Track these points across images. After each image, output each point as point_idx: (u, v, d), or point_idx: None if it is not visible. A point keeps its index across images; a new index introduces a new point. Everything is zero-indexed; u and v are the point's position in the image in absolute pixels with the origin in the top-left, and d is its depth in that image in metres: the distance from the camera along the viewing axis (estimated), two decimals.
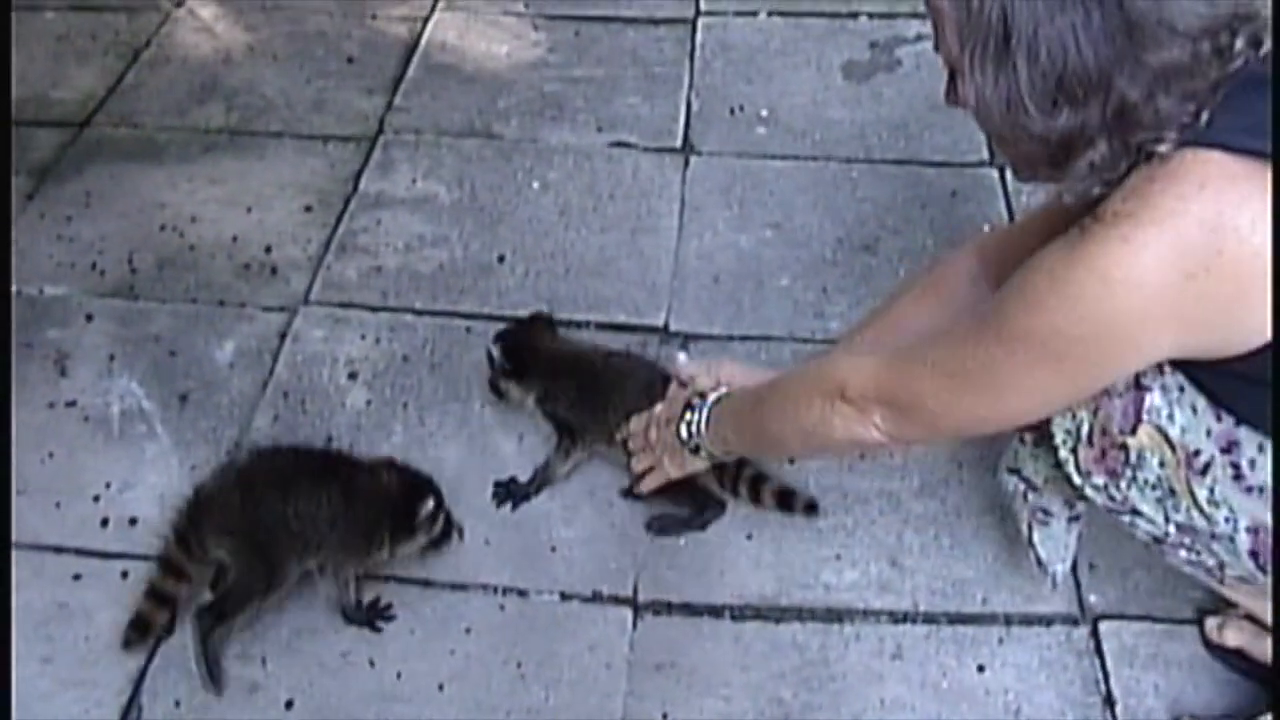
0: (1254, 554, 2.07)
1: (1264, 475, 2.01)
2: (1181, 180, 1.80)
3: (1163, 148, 1.85)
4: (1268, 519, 2.03)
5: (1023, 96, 1.86)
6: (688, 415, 2.69)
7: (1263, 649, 2.59)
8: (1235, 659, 2.64)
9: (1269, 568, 2.08)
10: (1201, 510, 2.08)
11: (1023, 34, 1.82)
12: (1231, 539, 2.08)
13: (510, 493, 3.05)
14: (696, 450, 2.70)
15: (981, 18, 1.85)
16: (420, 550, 2.83)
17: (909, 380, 2.21)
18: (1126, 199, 1.85)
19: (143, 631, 2.74)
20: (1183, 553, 2.22)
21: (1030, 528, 2.55)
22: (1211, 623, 2.68)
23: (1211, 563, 2.19)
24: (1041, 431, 2.29)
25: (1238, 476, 2.03)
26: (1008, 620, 2.75)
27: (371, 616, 2.81)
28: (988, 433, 2.39)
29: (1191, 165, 1.81)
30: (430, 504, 2.79)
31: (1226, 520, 2.06)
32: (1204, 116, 1.83)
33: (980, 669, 2.69)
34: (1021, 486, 2.50)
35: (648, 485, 2.85)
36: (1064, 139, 1.89)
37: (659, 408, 2.81)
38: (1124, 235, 1.81)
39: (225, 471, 2.91)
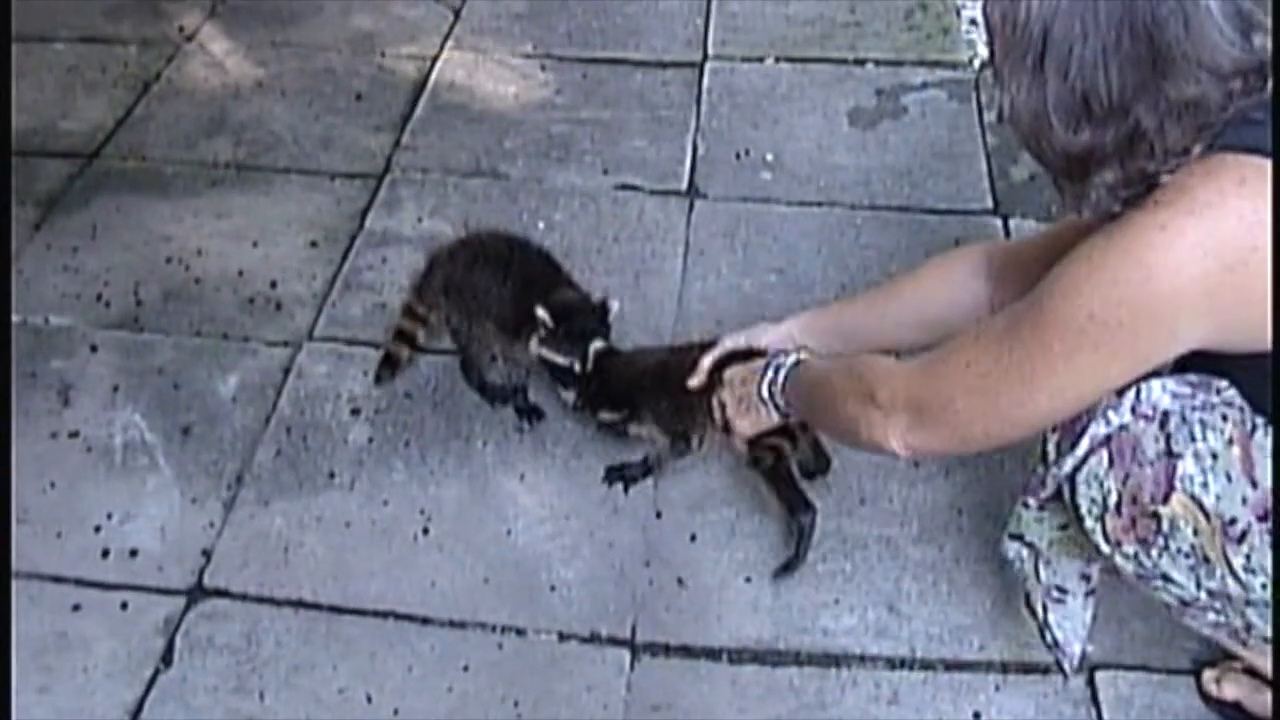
0: None
1: None
2: (1220, 176, 1.85)
3: (1164, 179, 1.92)
4: None
5: (1049, 110, 1.95)
6: (769, 374, 2.65)
7: (1260, 702, 2.58)
8: (1232, 711, 2.63)
9: None
10: (1237, 577, 2.05)
11: (1059, 51, 1.91)
12: (1268, 604, 2.07)
13: (622, 475, 3.17)
14: (776, 408, 2.66)
15: (1025, 31, 1.94)
16: (538, 361, 3.18)
17: (939, 382, 2.18)
18: (1166, 192, 1.90)
19: (392, 367, 3.43)
20: (1210, 615, 2.20)
21: (1045, 608, 2.49)
22: (1209, 675, 2.66)
23: (1239, 624, 2.18)
24: (1048, 495, 2.27)
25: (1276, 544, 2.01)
26: (1004, 668, 2.75)
27: (525, 408, 3.36)
28: (1014, 438, 2.22)
29: (1231, 165, 1.86)
30: (544, 313, 3.08)
31: (1263, 586, 2.04)
32: (1198, 148, 1.91)
33: (976, 716, 2.68)
34: (1026, 554, 2.45)
35: (738, 445, 2.88)
36: (1081, 156, 1.96)
37: (734, 370, 2.79)
38: (1162, 223, 1.86)
39: (449, 244, 3.43)
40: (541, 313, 3.07)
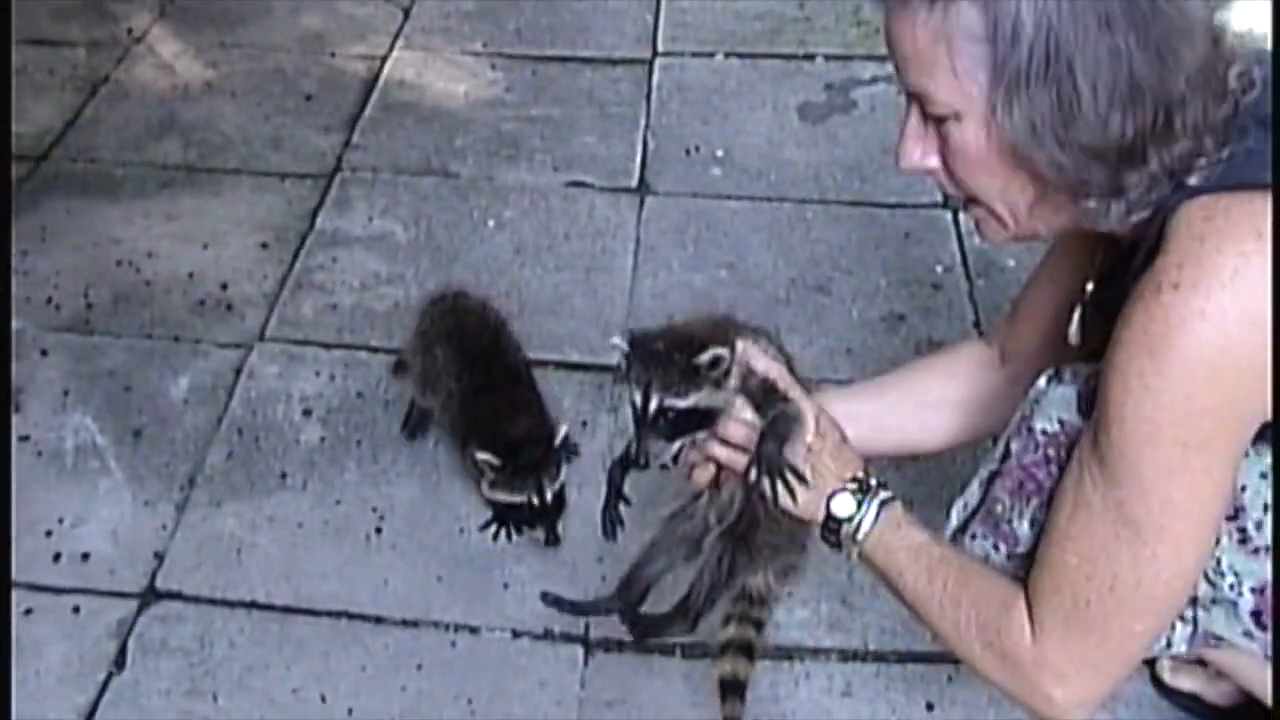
0: (1256, 614, 2.03)
1: (1269, 535, 1.97)
2: (1237, 237, 1.69)
3: (1193, 179, 1.76)
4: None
5: (1080, 107, 1.71)
6: (851, 502, 2.13)
7: (1217, 692, 2.59)
8: (1188, 701, 2.65)
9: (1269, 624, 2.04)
10: (1206, 578, 2.02)
11: (1074, 45, 1.69)
12: (1234, 603, 2.03)
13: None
14: (838, 542, 2.16)
15: (1021, 40, 1.71)
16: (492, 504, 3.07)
17: (1064, 594, 1.88)
18: (1182, 266, 1.70)
19: (402, 370, 3.39)
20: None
21: None
22: (1164, 665, 2.66)
23: (1203, 623, 2.12)
24: (1024, 551, 2.09)
25: (1244, 540, 1.98)
26: (957, 659, 2.75)
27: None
28: (1179, 601, 1.94)
29: (1240, 218, 1.70)
30: (485, 455, 2.94)
31: (1231, 587, 2.02)
32: (1224, 150, 1.75)
33: (929, 707, 2.70)
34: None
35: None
36: (1121, 148, 1.74)
37: (811, 436, 2.12)
38: (1200, 310, 1.67)
39: (438, 297, 3.32)
40: (483, 456, 2.95)
